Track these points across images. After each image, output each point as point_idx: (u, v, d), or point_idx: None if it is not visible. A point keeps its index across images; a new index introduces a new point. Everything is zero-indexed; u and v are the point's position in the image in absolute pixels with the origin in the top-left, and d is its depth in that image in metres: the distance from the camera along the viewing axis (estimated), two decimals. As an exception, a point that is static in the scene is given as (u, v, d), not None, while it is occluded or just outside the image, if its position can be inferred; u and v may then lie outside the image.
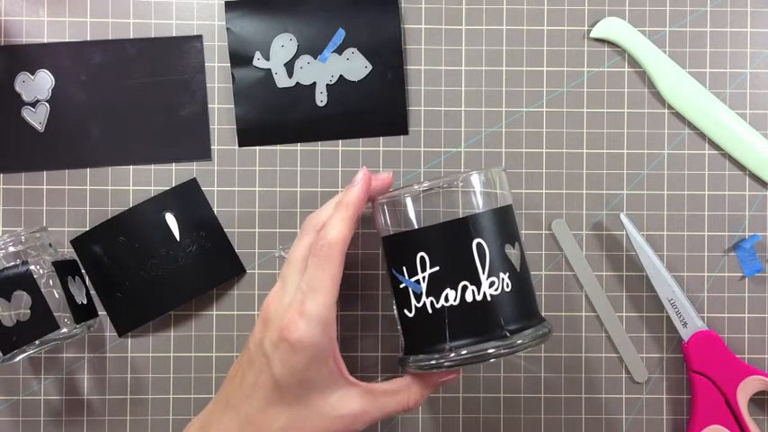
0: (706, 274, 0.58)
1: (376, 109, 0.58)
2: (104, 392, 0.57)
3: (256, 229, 0.57)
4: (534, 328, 0.47)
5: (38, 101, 0.57)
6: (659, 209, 0.58)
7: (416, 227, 0.47)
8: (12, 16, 0.58)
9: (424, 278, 0.46)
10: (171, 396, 0.57)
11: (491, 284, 0.46)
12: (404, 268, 0.47)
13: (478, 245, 0.46)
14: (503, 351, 0.45)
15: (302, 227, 0.49)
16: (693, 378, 0.56)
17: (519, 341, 0.45)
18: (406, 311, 0.47)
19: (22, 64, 0.57)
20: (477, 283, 0.46)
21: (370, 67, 0.57)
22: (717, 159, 0.58)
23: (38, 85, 0.57)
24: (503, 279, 0.46)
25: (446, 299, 0.46)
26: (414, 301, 0.47)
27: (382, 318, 0.57)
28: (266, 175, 0.58)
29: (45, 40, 0.57)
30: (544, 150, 0.58)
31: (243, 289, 0.57)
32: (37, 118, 0.57)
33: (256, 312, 0.57)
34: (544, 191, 0.58)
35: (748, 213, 0.58)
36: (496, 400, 0.58)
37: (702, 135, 0.58)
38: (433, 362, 0.46)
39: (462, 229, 0.46)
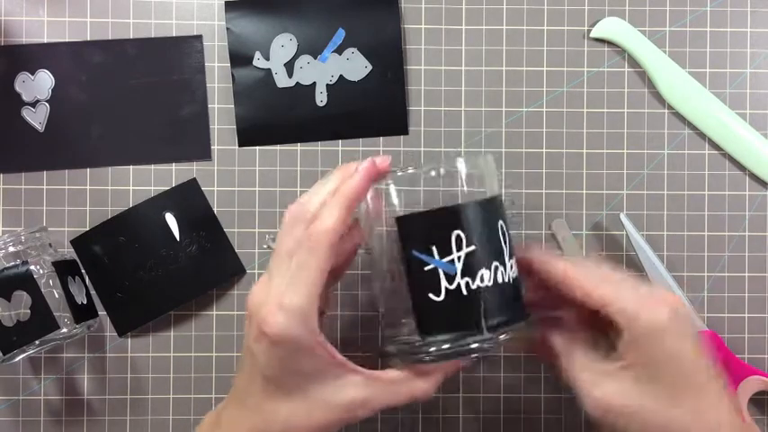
0: (706, 274, 0.58)
1: (376, 109, 0.58)
2: (104, 392, 0.57)
3: (256, 229, 0.57)
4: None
5: (38, 101, 0.57)
6: (659, 209, 0.58)
7: (438, 206, 0.44)
8: (12, 16, 0.58)
9: (459, 258, 0.44)
10: (171, 396, 0.57)
11: (511, 266, 0.45)
12: (433, 248, 0.44)
13: (502, 226, 0.45)
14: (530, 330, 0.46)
15: (286, 217, 0.45)
16: (693, 378, 0.56)
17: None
18: (431, 295, 0.44)
19: (22, 64, 0.57)
20: (504, 265, 0.45)
21: (370, 67, 0.57)
22: (717, 159, 0.58)
23: (38, 85, 0.57)
24: (515, 262, 0.46)
25: (482, 279, 0.44)
26: (445, 283, 0.44)
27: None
28: (266, 175, 0.58)
29: (45, 40, 0.57)
30: (544, 150, 0.58)
31: (243, 289, 0.57)
32: (37, 118, 0.57)
33: (256, 312, 0.57)
34: (544, 191, 0.58)
35: (748, 213, 0.58)
36: (496, 400, 0.57)
37: (702, 135, 0.58)
38: (475, 345, 0.44)
39: (492, 208, 0.45)
